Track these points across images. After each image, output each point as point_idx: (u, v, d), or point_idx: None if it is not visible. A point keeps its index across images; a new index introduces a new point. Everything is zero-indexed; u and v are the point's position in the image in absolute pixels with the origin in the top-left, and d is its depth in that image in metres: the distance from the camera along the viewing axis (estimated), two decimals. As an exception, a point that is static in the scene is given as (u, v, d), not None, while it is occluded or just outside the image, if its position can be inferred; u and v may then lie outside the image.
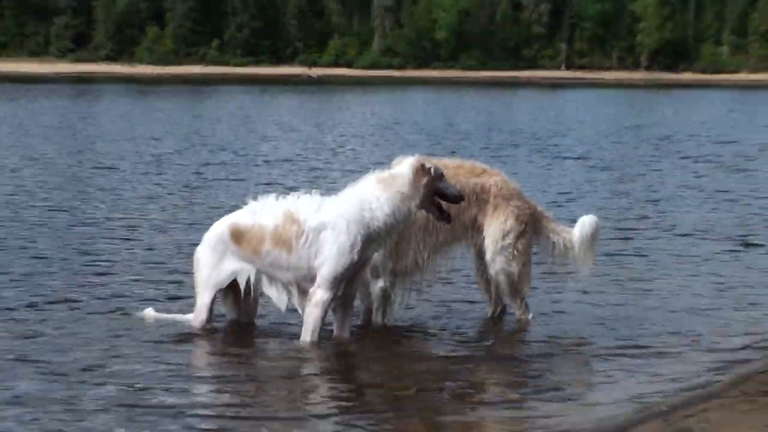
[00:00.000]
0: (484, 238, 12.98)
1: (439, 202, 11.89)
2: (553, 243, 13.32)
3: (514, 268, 12.93)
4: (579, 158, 35.94)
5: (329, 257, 11.57)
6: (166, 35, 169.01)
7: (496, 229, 12.91)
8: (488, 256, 12.97)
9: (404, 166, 11.76)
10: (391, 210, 11.62)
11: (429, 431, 9.49)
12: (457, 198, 12.01)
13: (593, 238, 13.36)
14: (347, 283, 11.83)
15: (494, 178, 13.13)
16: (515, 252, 12.92)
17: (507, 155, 36.02)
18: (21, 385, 10.27)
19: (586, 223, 13.33)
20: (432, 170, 11.72)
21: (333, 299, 11.78)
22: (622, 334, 12.75)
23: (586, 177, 30.10)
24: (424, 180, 11.67)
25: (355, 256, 11.61)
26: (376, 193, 11.66)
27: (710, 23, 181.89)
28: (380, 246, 11.98)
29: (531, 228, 13.13)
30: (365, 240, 11.63)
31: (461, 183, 12.52)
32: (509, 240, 12.90)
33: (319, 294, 11.65)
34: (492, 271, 13.01)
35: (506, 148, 39.63)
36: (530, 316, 13.17)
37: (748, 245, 18.99)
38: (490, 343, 12.68)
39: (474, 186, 12.88)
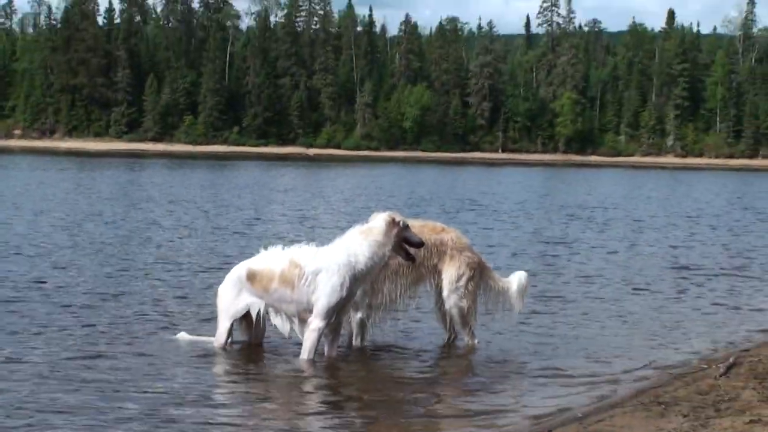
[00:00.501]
0: (442, 280, 12.94)
1: (406, 247, 11.98)
2: (491, 287, 13.30)
3: (465, 303, 12.90)
4: (510, 220, 35.90)
5: (324, 294, 11.65)
6: (199, 122, 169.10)
7: (452, 273, 12.91)
8: (445, 293, 12.96)
9: (379, 220, 11.90)
10: (371, 254, 11.73)
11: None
12: (419, 244, 12.14)
13: (525, 288, 13.41)
14: (337, 314, 11.79)
15: (450, 234, 13.19)
16: (466, 291, 12.90)
17: (455, 215, 35.98)
18: (65, 397, 10.04)
19: (522, 277, 13.39)
20: (400, 223, 11.87)
21: (326, 327, 11.77)
22: (547, 357, 12.64)
23: (513, 232, 30.04)
24: (395, 230, 11.83)
25: (344, 293, 11.70)
26: (358, 241, 11.78)
27: (611, 118, 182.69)
28: (363, 283, 12.05)
29: (478, 274, 13.07)
30: (352, 279, 11.72)
31: (425, 238, 12.52)
32: (462, 282, 12.89)
33: (316, 323, 11.71)
34: (447, 305, 12.98)
35: (454, 210, 39.58)
36: (476, 341, 13.08)
37: (637, 289, 18.89)
38: (445, 364, 12.64)
39: (435, 240, 12.91)
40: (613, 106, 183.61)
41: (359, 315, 12.76)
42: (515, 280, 13.37)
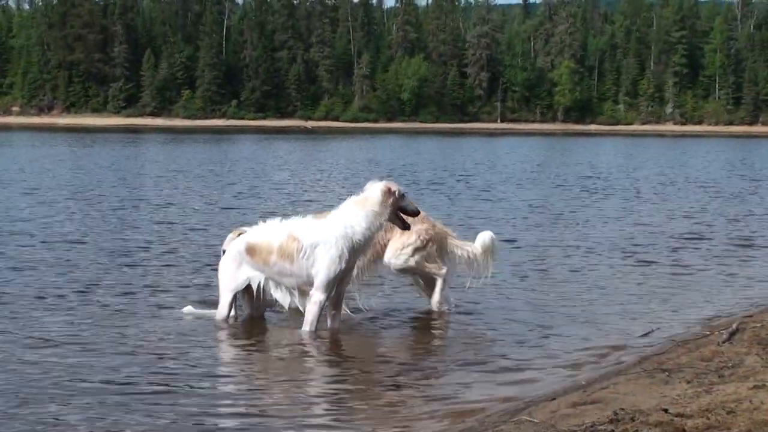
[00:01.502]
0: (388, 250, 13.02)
1: (402, 216, 11.89)
2: (458, 255, 13.32)
3: (410, 263, 12.95)
4: (509, 190, 35.82)
5: (323, 267, 11.62)
6: (197, 96, 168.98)
7: (396, 244, 12.93)
8: (385, 260, 12.99)
9: (374, 190, 11.82)
10: (367, 225, 11.68)
11: (394, 402, 9.36)
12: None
13: (492, 249, 13.45)
14: (338, 286, 11.80)
15: None
16: (410, 258, 12.92)
17: (449, 185, 35.97)
18: (63, 377, 9.83)
19: (486, 237, 13.43)
20: (396, 192, 11.78)
21: (327, 299, 11.77)
22: (548, 326, 12.61)
23: (512, 203, 29.95)
24: (391, 200, 11.76)
25: (343, 265, 11.68)
26: (354, 212, 11.70)
27: (610, 87, 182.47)
28: (361, 254, 12.07)
29: (436, 243, 13.11)
30: (350, 251, 11.68)
31: None
32: (406, 249, 12.93)
33: (317, 296, 11.71)
34: (393, 270, 13.08)
35: (449, 180, 39.51)
36: (445, 308, 13.05)
37: (639, 258, 18.84)
38: (448, 335, 12.56)
39: None
40: (612, 75, 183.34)
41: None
42: (479, 241, 13.41)
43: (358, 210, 11.70)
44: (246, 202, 28.76)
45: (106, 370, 10.16)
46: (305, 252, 11.68)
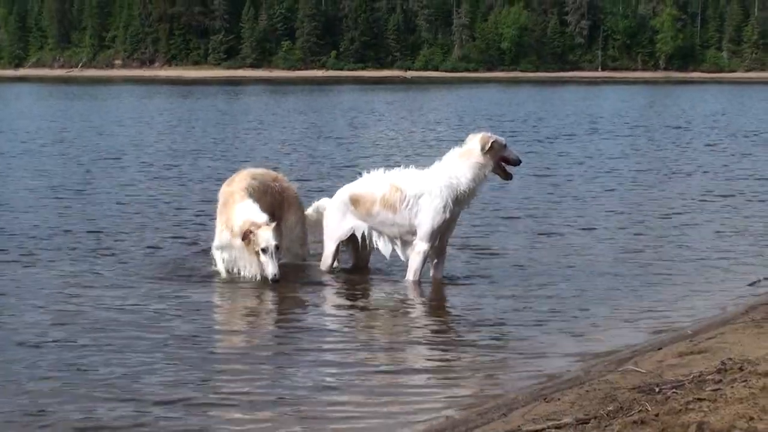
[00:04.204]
0: (282, 227, 12.74)
1: (504, 166, 11.87)
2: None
3: (304, 251, 13.15)
4: (612, 138, 35.51)
5: (427, 217, 11.66)
6: (296, 47, 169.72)
7: (292, 222, 12.95)
8: (286, 243, 12.72)
9: (476, 141, 11.77)
10: (472, 176, 11.69)
11: (497, 348, 9.36)
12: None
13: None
14: (441, 236, 11.84)
15: (286, 183, 13.25)
16: (304, 238, 13.16)
17: (554, 133, 35.74)
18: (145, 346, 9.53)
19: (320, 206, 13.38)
20: (497, 143, 11.73)
21: (431, 249, 11.82)
22: (652, 276, 12.56)
23: (606, 152, 29.66)
24: (493, 151, 11.65)
25: (447, 215, 11.70)
26: (458, 164, 11.71)
27: (713, 34, 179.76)
28: (464, 205, 11.95)
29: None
30: (454, 201, 11.70)
31: (269, 186, 12.74)
32: (298, 229, 13.04)
33: (420, 245, 11.78)
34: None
35: (552, 128, 39.22)
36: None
37: (748, 211, 18.55)
38: (555, 281, 12.40)
39: (275, 188, 12.90)
40: (715, 22, 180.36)
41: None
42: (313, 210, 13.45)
43: (462, 162, 11.71)
44: (347, 151, 28.78)
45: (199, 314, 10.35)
46: (408, 202, 11.73)
